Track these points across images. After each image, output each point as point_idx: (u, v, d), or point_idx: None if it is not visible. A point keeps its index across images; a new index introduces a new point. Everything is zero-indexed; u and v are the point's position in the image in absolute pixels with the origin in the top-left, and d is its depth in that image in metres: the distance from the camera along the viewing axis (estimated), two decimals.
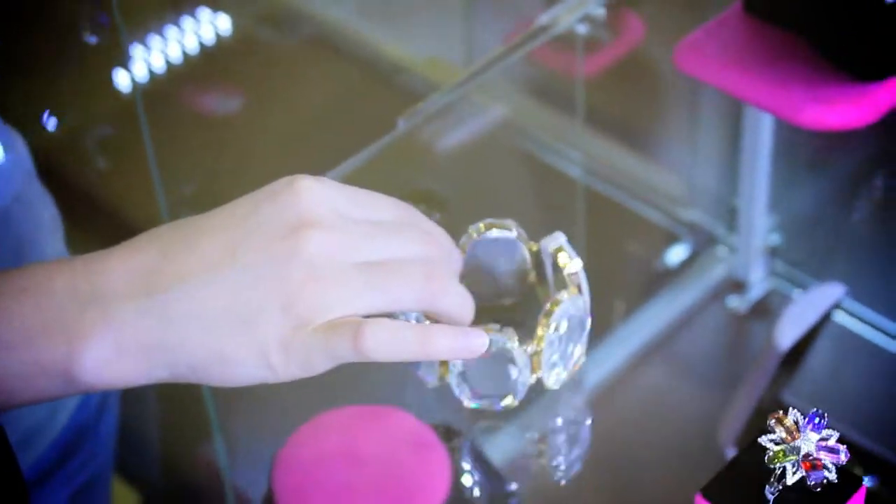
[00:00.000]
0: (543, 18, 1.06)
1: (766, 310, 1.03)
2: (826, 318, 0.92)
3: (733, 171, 1.10)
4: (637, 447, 0.81)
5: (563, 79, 1.25)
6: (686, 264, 1.10)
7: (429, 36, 1.40)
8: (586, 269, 0.78)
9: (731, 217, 1.11)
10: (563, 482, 0.83)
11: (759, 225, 1.10)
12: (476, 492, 0.80)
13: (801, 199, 1.14)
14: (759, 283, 1.05)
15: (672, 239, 1.12)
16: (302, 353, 0.53)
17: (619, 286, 1.07)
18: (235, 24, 1.34)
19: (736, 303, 0.98)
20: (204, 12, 1.32)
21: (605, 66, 1.23)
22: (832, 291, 0.93)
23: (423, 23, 1.40)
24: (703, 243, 1.12)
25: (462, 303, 0.61)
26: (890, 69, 0.84)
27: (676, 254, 1.12)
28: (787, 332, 0.88)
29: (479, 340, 0.57)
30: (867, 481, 0.76)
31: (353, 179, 0.68)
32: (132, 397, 1.06)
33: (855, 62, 0.84)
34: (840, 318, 0.98)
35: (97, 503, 1.00)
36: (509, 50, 1.10)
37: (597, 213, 1.10)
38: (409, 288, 0.57)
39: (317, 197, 0.56)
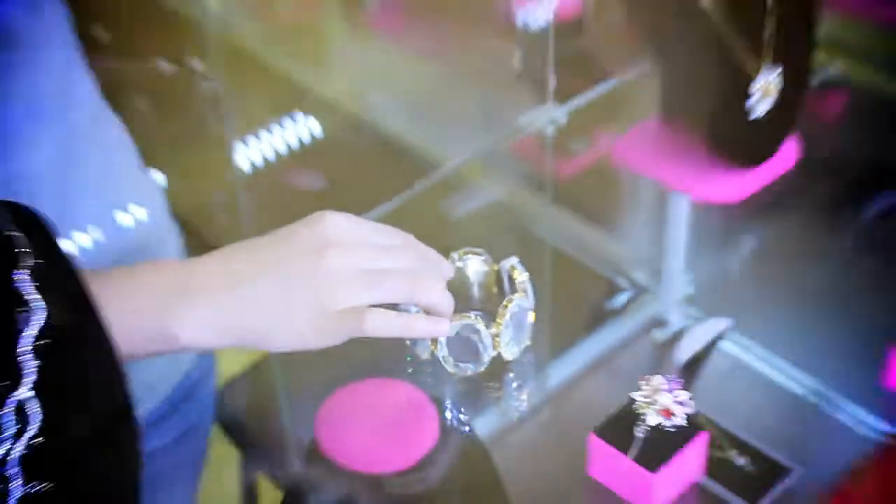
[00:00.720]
0: (521, 120, 1.29)
1: (679, 340, 1.11)
2: (714, 343, 1.05)
3: (661, 240, 1.17)
4: (582, 422, 0.88)
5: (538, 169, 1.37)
6: (625, 307, 1.19)
7: (454, 140, 1.53)
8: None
9: (658, 274, 1.18)
10: (516, 416, 0.96)
11: (678, 280, 1.17)
12: (454, 437, 0.91)
13: (709, 260, 1.21)
14: (676, 321, 1.13)
15: (616, 289, 1.21)
16: (325, 331, 0.71)
17: (576, 320, 1.16)
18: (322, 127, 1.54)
19: (659, 335, 1.08)
20: (300, 116, 1.53)
21: (577, 170, 1.36)
22: (720, 324, 1.06)
23: (450, 131, 1.55)
24: (638, 292, 1.20)
25: (441, 299, 0.77)
26: (757, 161, 1.00)
27: (618, 299, 1.20)
28: (684, 350, 1.03)
29: (443, 327, 0.77)
30: (741, 461, 0.90)
31: (386, 220, 0.80)
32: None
33: (735, 156, 1.00)
34: (727, 346, 1.08)
35: (198, 445, 1.10)
36: (496, 143, 1.36)
37: (561, 267, 1.21)
38: (397, 287, 0.74)
39: (339, 226, 0.73)
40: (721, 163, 1.02)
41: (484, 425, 0.96)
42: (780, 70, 0.96)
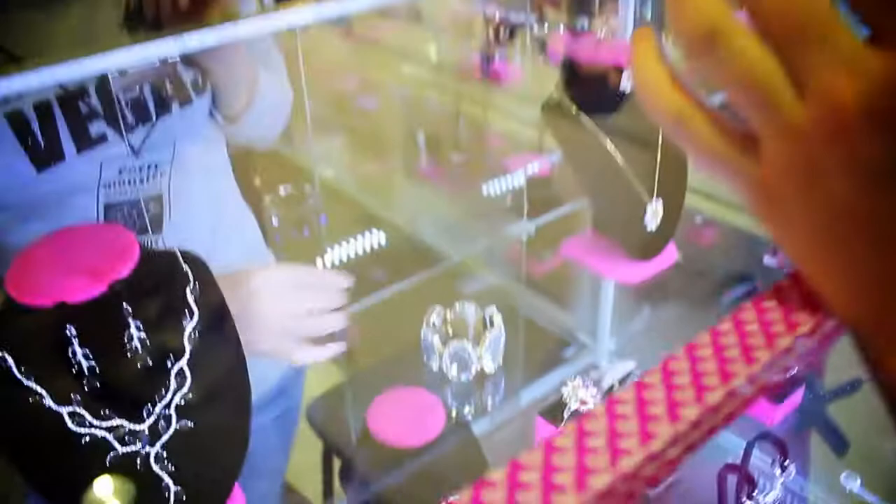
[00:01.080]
0: (507, 231, 1.35)
1: (604, 376, 1.06)
2: (623, 380, 1.00)
3: (596, 310, 1.20)
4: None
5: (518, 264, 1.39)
6: (572, 356, 1.22)
7: (464, 242, 1.62)
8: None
9: (593, 334, 1.21)
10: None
11: (605, 337, 1.20)
12: (456, 427, 0.94)
13: (625, 324, 1.23)
14: (603, 365, 1.15)
15: (566, 343, 1.24)
16: (280, 352, 0.70)
17: (539, 363, 1.18)
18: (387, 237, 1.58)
19: (593, 374, 1.02)
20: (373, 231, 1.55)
21: (545, 272, 1.42)
22: (627, 365, 1.02)
23: (463, 237, 1.64)
24: (580, 347, 1.23)
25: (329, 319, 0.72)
26: (651, 257, 1.02)
27: (568, 351, 1.23)
28: (606, 382, 0.99)
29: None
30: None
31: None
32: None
33: (638, 253, 1.02)
34: (632, 379, 1.02)
35: (290, 426, 1.06)
36: (491, 246, 1.43)
37: (530, 329, 1.21)
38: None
39: (273, 279, 0.69)
40: (630, 257, 1.03)
41: (475, 427, 0.98)
42: (661, 201, 0.98)
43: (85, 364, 0.58)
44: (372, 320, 1.24)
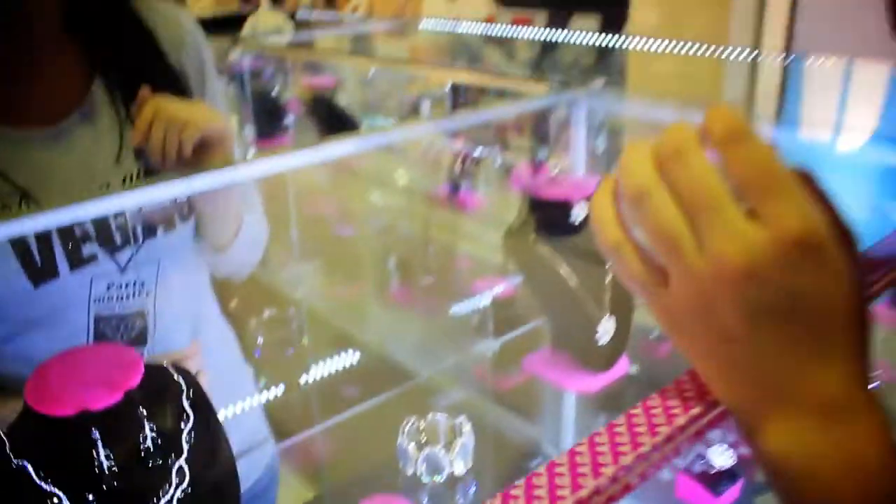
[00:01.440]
0: (475, 349, 1.42)
1: None
2: None
3: (558, 421, 1.25)
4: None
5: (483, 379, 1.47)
6: (536, 466, 1.29)
7: (433, 360, 1.67)
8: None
9: (556, 443, 1.27)
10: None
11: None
12: None
13: (585, 431, 1.32)
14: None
15: (531, 455, 1.31)
16: None
17: (506, 474, 1.23)
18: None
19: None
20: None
21: (511, 386, 1.48)
22: None
23: (432, 355, 1.70)
24: (544, 458, 1.27)
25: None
26: (605, 369, 1.09)
27: (534, 462, 1.28)
28: None
29: None
30: None
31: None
32: None
33: (592, 366, 1.09)
34: None
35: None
36: (459, 362, 1.49)
37: (497, 440, 1.28)
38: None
39: None
40: (585, 370, 1.10)
41: None
42: (613, 318, 1.07)
43: (105, 464, 0.65)
44: (347, 435, 1.30)
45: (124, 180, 0.88)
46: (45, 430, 0.65)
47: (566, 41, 2.83)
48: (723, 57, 1.65)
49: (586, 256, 1.06)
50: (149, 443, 0.67)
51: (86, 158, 0.86)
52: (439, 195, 1.90)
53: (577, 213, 1.05)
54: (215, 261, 0.99)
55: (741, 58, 1.95)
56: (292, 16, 3.79)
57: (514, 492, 0.40)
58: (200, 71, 0.95)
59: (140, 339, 0.87)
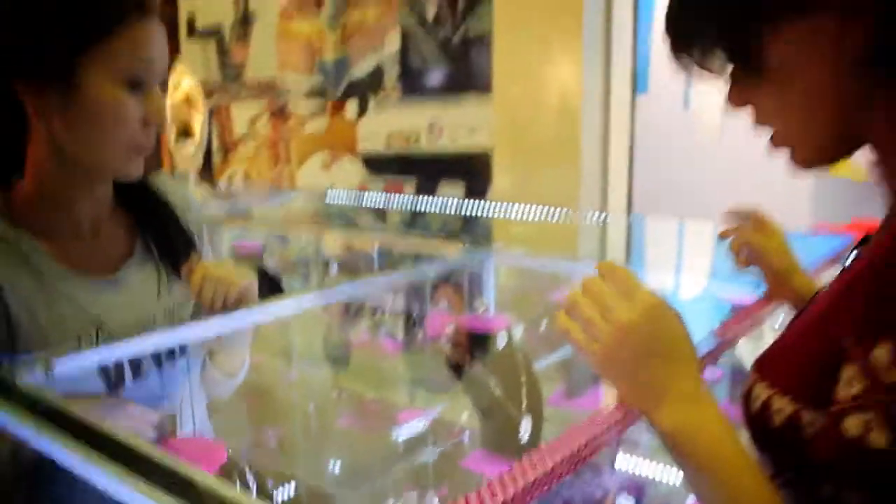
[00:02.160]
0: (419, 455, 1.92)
1: None
2: None
3: None
4: None
5: None
6: None
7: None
8: None
9: None
10: None
11: None
12: None
13: None
14: None
15: None
16: None
17: None
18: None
19: None
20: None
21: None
22: None
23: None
24: None
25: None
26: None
27: None
28: None
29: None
30: None
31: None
32: None
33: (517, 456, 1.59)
34: None
35: None
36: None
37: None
38: None
39: None
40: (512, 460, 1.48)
41: None
42: (529, 418, 1.45)
43: None
44: None
45: (165, 312, 1.28)
46: None
47: (434, 208, 3.20)
48: (574, 219, 2.06)
49: (508, 371, 1.49)
50: None
51: (137, 297, 1.24)
52: (361, 342, 2.26)
53: (500, 339, 1.49)
54: (221, 385, 1.37)
55: (591, 219, 2.44)
56: None
57: None
58: (200, 229, 1.40)
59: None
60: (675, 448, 0.77)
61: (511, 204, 2.29)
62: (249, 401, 2.12)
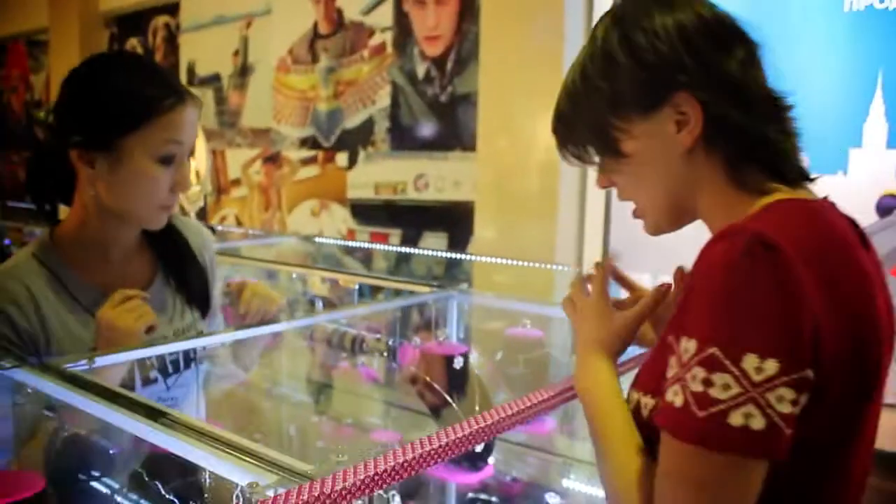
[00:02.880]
0: None
1: None
2: None
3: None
4: None
5: None
6: None
7: None
8: None
9: None
10: None
11: None
12: None
13: None
14: None
15: None
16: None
17: None
18: None
19: None
20: None
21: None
22: None
23: None
24: None
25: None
26: (477, 470, 1.60)
27: None
28: None
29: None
30: None
31: None
32: None
33: (469, 469, 1.62)
34: None
35: None
36: None
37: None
38: None
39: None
40: (464, 471, 1.61)
41: None
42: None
43: None
44: None
45: (174, 333, 1.51)
46: None
47: (419, 254, 3.35)
48: (551, 269, 2.28)
49: (465, 389, 1.74)
50: None
51: (120, 278, 1.43)
52: (341, 370, 2.54)
53: (458, 362, 1.79)
54: (237, 376, 1.62)
55: (566, 270, 2.54)
56: None
57: None
58: (213, 264, 1.63)
59: None
60: (583, 406, 1.00)
61: (487, 258, 2.51)
62: (235, 415, 2.35)
